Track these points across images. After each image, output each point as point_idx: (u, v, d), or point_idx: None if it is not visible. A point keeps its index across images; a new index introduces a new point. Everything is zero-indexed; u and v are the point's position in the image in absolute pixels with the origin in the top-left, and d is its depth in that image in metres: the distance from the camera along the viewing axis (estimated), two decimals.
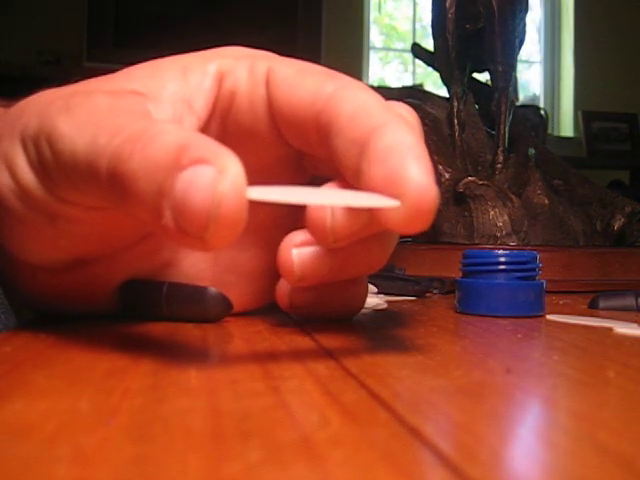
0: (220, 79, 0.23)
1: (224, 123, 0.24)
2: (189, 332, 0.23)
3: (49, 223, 0.22)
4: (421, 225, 0.18)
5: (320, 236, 0.21)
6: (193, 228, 0.16)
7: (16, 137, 0.21)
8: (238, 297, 0.26)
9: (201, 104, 0.23)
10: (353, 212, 0.20)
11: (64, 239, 0.23)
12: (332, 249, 0.22)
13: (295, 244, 0.22)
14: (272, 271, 0.24)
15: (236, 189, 0.16)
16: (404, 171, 0.18)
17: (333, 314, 0.26)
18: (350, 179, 0.21)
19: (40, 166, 0.21)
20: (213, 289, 0.25)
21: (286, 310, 0.25)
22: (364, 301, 0.27)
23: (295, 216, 0.25)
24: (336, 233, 0.21)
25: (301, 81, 0.22)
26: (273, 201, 0.18)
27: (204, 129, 0.24)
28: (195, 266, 0.26)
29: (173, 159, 0.17)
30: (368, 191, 0.19)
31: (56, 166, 0.20)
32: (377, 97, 0.21)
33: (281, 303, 0.25)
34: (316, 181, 0.27)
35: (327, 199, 0.20)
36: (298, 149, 0.24)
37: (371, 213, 0.20)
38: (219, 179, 0.16)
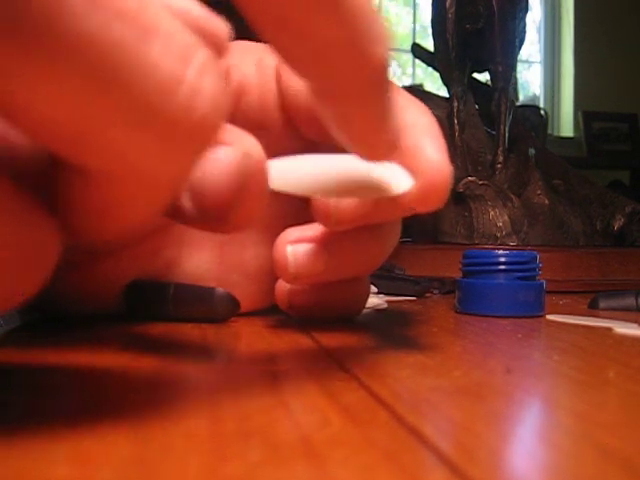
0: (226, 74, 0.23)
1: (232, 119, 0.24)
2: (189, 332, 0.23)
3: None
4: (435, 202, 0.19)
5: (323, 216, 0.21)
6: (216, 210, 0.16)
7: None
8: (243, 297, 0.26)
9: None
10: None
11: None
12: (328, 247, 0.22)
13: (290, 240, 0.22)
14: (274, 272, 0.24)
15: (262, 170, 0.16)
16: (420, 148, 0.18)
17: (333, 314, 0.26)
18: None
19: None
20: (220, 289, 0.25)
21: (285, 310, 0.25)
22: (365, 302, 0.27)
23: (299, 214, 0.25)
24: (339, 214, 0.20)
25: None
26: (295, 190, 0.18)
27: None
28: (200, 266, 0.26)
29: None
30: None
31: None
32: (395, 85, 0.22)
33: (280, 303, 0.25)
34: None
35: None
36: (314, 140, 0.24)
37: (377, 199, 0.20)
38: (244, 162, 0.16)
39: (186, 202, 0.17)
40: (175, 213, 0.17)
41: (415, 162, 0.18)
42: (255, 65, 0.23)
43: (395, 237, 0.24)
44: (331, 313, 0.26)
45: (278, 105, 0.23)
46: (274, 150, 0.25)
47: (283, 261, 0.22)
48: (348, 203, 0.20)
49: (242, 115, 0.24)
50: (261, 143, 0.24)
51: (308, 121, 0.23)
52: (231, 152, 0.16)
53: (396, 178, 0.18)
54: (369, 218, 0.21)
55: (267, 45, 0.25)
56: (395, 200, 0.19)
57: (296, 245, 0.22)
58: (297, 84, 0.22)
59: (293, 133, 0.24)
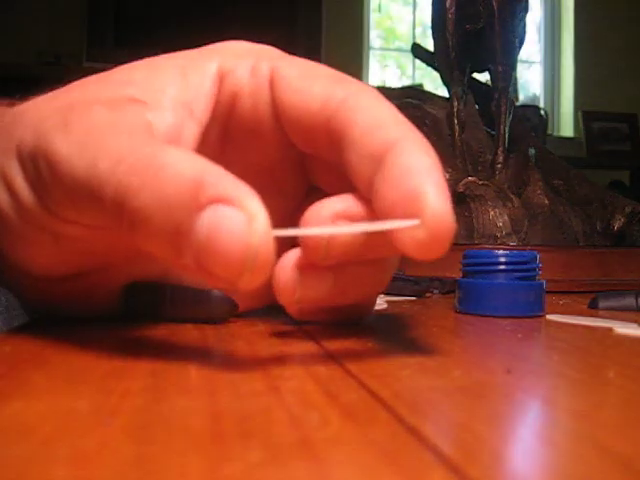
0: (220, 79, 0.23)
1: (226, 125, 0.24)
2: (189, 332, 0.23)
3: (51, 240, 0.21)
4: (438, 251, 0.18)
5: (313, 252, 0.20)
6: (225, 274, 0.16)
7: (12, 153, 0.20)
8: (243, 296, 0.26)
9: (202, 108, 0.22)
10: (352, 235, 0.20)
11: (67, 255, 0.22)
12: (334, 271, 0.21)
13: (294, 264, 0.21)
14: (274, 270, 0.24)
15: (268, 237, 0.16)
16: (423, 196, 0.18)
17: (341, 320, 0.25)
18: (363, 192, 0.20)
19: (39, 185, 0.20)
20: (217, 291, 0.25)
21: (293, 316, 0.25)
22: (373, 308, 0.27)
23: (294, 218, 0.25)
24: (330, 250, 0.20)
25: (309, 85, 0.22)
26: (293, 235, 0.18)
27: (205, 132, 0.23)
28: None
29: (190, 197, 0.16)
30: (382, 218, 0.19)
31: (56, 187, 0.19)
32: (390, 107, 0.21)
33: (289, 309, 0.24)
34: (315, 191, 0.26)
35: (344, 229, 0.19)
36: (306, 152, 0.24)
37: (371, 237, 0.20)
38: (251, 229, 0.16)
39: (189, 260, 0.16)
40: (180, 267, 0.17)
41: (417, 210, 0.18)
42: (250, 72, 0.23)
43: (397, 261, 0.24)
44: (339, 318, 0.25)
45: (271, 114, 0.23)
46: (266, 157, 0.25)
47: (287, 285, 0.21)
48: (341, 238, 0.20)
49: (235, 122, 0.23)
50: (253, 149, 0.24)
51: (300, 131, 0.22)
52: (233, 215, 0.16)
53: (400, 222, 0.18)
54: (362, 255, 0.21)
55: (264, 47, 0.25)
56: (394, 244, 0.18)
57: (301, 268, 0.21)
58: (291, 96, 0.22)
59: (285, 141, 0.23)
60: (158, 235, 0.17)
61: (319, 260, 0.20)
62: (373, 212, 0.19)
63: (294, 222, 0.22)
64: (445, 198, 0.18)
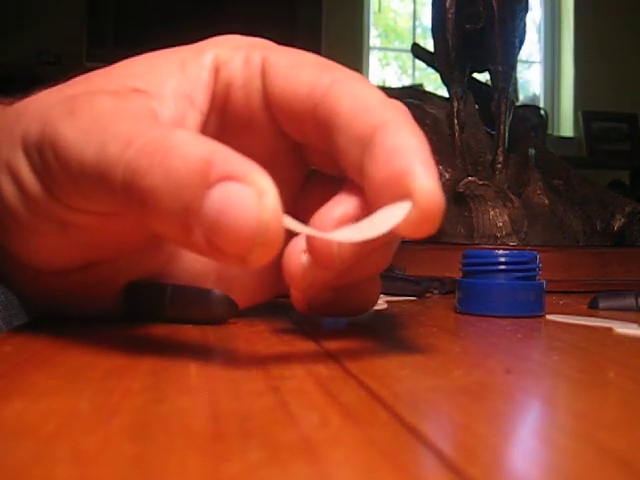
0: (216, 71, 0.23)
1: (222, 116, 0.24)
2: (189, 332, 0.23)
3: (59, 230, 0.21)
4: (429, 229, 0.18)
5: (326, 262, 0.20)
6: (235, 250, 0.16)
7: (17, 144, 0.21)
8: (243, 291, 0.26)
9: (202, 98, 0.23)
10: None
11: (72, 246, 0.22)
12: None
13: (303, 249, 0.21)
14: (276, 263, 0.24)
15: (278, 212, 0.16)
16: (411, 175, 0.18)
17: (349, 312, 0.25)
18: (353, 175, 0.21)
19: (46, 174, 0.20)
20: (217, 291, 0.25)
21: (302, 311, 0.24)
22: (378, 297, 0.27)
23: (296, 205, 0.25)
24: (343, 256, 0.20)
25: (297, 73, 0.22)
26: (298, 231, 0.18)
27: (204, 123, 0.23)
28: (199, 260, 0.26)
29: (199, 175, 0.16)
30: (377, 208, 0.19)
31: (63, 174, 0.19)
32: (375, 90, 0.21)
33: (297, 305, 0.24)
34: (313, 174, 0.27)
35: (344, 235, 0.19)
36: (296, 141, 0.24)
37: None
38: (261, 203, 0.16)
39: (199, 238, 0.17)
40: (189, 246, 0.17)
41: (406, 190, 0.18)
42: (243, 62, 0.23)
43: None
44: (347, 310, 0.25)
45: (263, 103, 0.23)
46: (261, 148, 0.25)
47: (297, 271, 0.21)
48: (349, 243, 0.20)
49: (230, 112, 0.24)
50: (249, 140, 0.24)
51: (289, 119, 0.23)
52: (242, 192, 0.16)
53: (394, 213, 0.18)
54: (370, 245, 0.21)
55: (258, 39, 0.25)
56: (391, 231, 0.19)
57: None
58: (280, 84, 0.22)
59: (279, 131, 0.24)
60: (168, 215, 0.17)
61: (336, 268, 0.20)
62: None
63: (297, 209, 0.23)
64: (433, 176, 0.18)
